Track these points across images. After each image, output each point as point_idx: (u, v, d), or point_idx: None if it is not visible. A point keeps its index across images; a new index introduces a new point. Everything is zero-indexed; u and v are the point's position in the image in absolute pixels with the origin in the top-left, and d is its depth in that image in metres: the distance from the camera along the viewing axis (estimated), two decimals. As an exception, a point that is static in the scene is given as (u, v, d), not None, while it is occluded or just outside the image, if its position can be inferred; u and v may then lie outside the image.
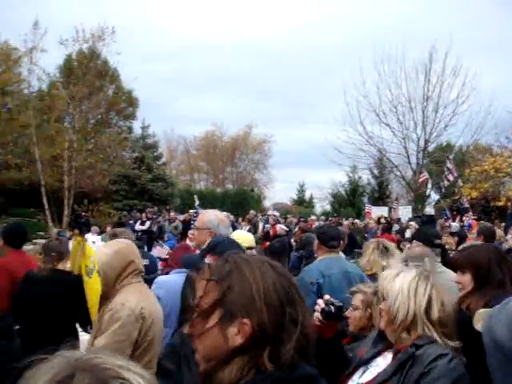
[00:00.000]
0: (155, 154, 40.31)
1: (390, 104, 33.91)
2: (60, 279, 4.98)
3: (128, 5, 71.05)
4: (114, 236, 5.24)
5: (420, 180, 28.80)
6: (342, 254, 5.33)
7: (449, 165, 25.45)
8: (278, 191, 59.07)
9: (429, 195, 28.93)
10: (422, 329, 2.52)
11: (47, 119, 27.53)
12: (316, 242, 5.28)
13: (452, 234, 13.54)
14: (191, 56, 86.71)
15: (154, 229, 22.14)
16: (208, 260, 2.83)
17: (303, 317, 1.53)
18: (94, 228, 19.99)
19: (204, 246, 3.07)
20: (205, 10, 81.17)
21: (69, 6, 50.72)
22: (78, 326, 5.09)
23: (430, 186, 28.16)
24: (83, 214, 24.60)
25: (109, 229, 21.05)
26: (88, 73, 28.60)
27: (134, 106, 38.41)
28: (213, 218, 4.42)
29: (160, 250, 12.78)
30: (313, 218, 26.49)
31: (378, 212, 28.67)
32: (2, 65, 28.65)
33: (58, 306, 4.70)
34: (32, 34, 26.15)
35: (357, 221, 25.83)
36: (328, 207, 49.21)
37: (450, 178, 25.64)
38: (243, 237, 6.01)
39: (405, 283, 2.62)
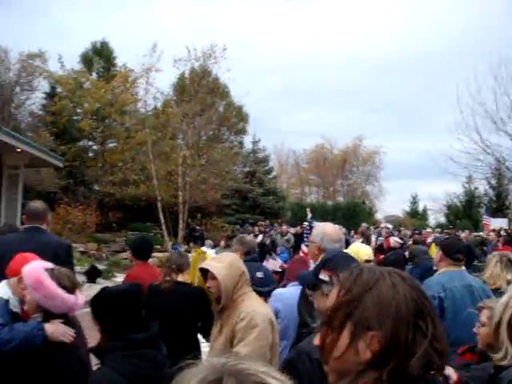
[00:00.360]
0: (266, 167, 40.65)
1: (508, 110, 32.32)
2: (183, 291, 5.02)
3: (237, 22, 72.57)
4: (242, 243, 5.31)
5: None
6: (464, 268, 5.04)
7: None
8: (389, 203, 57.90)
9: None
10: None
11: (162, 136, 28.53)
12: (439, 253, 5.06)
13: None
14: (299, 70, 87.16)
15: (267, 242, 22.23)
16: (323, 276, 2.79)
17: (434, 329, 1.44)
18: (208, 242, 20.39)
19: (318, 262, 3.03)
20: (311, 24, 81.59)
21: (181, 28, 52.62)
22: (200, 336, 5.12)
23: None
24: (197, 227, 25.20)
25: (222, 243, 21.40)
26: (200, 90, 29.37)
27: (245, 121, 39.05)
28: (318, 231, 4.36)
29: (272, 263, 12.77)
30: (428, 230, 25.67)
31: (496, 224, 27.28)
32: (120, 86, 30.07)
33: (182, 317, 4.74)
34: (150, 55, 27.21)
35: (481, 233, 24.68)
36: (442, 219, 47.53)
37: None
38: (362, 250, 5.86)
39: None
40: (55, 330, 3.24)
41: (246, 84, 65.36)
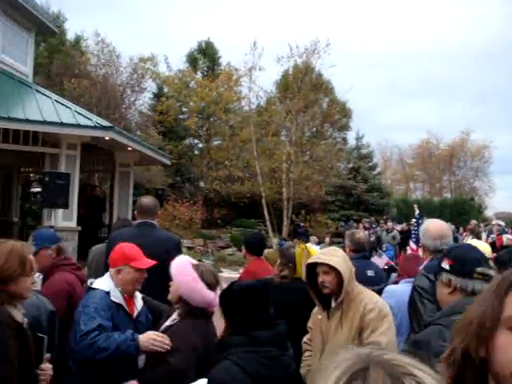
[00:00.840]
0: (370, 164, 40.08)
1: None
2: (302, 287, 4.98)
3: (339, 16, 72.04)
4: (351, 240, 5.34)
5: None
6: None
7: None
8: (500, 199, 55.50)
9: None
10: None
11: (266, 133, 28.71)
12: None
13: None
14: (402, 64, 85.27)
15: (372, 239, 21.86)
16: (444, 264, 2.81)
17: None
18: (313, 238, 20.30)
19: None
20: (416, 15, 79.50)
21: (283, 25, 52.77)
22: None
23: None
24: (301, 224, 25.17)
25: (327, 239, 21.26)
26: (303, 87, 29.27)
27: (348, 117, 38.63)
28: (421, 228, 4.44)
29: (378, 260, 12.47)
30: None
31: None
32: (225, 85, 30.59)
33: (298, 312, 4.66)
34: (252, 54, 27.43)
35: None
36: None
37: None
38: (479, 247, 5.55)
39: None
40: (148, 341, 3.33)
41: (349, 79, 64.75)
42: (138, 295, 3.90)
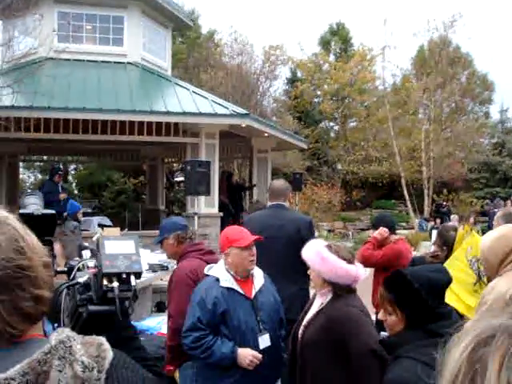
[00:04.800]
0: (520, 138, 37.83)
1: None
2: None
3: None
4: (504, 216, 4.88)
5: None
6: None
7: None
8: None
9: None
10: None
11: (403, 112, 28.05)
12: None
13: None
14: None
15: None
16: None
17: None
18: (454, 217, 19.62)
19: None
20: None
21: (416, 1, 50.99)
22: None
23: None
24: (444, 203, 24.41)
25: (472, 219, 20.44)
26: (440, 61, 28.22)
27: (491, 90, 36.71)
28: None
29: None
30: None
31: None
32: (358, 66, 30.24)
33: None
34: (384, 32, 26.88)
35: None
36: None
37: None
38: None
39: None
40: (245, 358, 3.59)
41: (491, 50, 61.34)
42: (258, 274, 3.96)
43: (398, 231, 23.19)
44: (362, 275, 3.45)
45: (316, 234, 20.47)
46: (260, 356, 3.64)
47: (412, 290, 2.45)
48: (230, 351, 3.58)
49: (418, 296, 2.45)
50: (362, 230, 25.34)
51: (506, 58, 57.72)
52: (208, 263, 4.16)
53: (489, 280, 3.62)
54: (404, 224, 26.33)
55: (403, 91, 29.08)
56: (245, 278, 3.84)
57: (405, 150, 27.10)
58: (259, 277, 3.94)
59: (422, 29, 28.06)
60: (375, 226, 6.06)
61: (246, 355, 3.60)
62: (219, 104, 14.38)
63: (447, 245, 4.96)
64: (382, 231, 5.83)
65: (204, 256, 4.54)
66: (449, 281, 2.62)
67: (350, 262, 3.40)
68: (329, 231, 23.10)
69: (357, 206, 29.08)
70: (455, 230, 5.09)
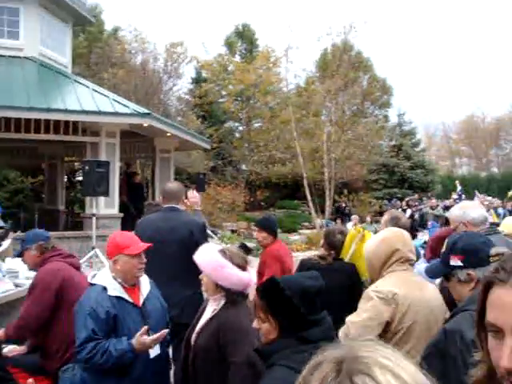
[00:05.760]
0: (413, 140, 39.50)
1: None
2: (344, 268, 4.93)
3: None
4: (395, 224, 4.96)
5: None
6: None
7: None
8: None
9: None
10: None
11: (306, 114, 28.52)
12: None
13: None
14: (445, 39, 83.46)
15: (416, 216, 21.62)
16: (454, 261, 2.64)
17: None
18: (355, 217, 20.20)
19: (443, 249, 2.80)
20: None
21: (320, 5, 52.11)
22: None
23: None
24: (343, 205, 25.06)
25: (368, 218, 21.12)
26: (342, 65, 28.93)
27: (389, 94, 38.11)
28: (457, 211, 4.40)
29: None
30: None
31: None
32: (263, 67, 30.52)
33: (345, 295, 4.59)
34: (288, 34, 27.22)
35: None
36: None
37: None
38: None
39: None
40: (143, 346, 3.49)
41: (390, 56, 63.63)
42: (145, 281, 3.89)
43: (301, 231, 23.72)
44: (253, 281, 3.41)
45: (219, 234, 20.43)
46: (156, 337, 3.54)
47: (284, 297, 2.42)
48: (126, 345, 3.48)
49: (290, 303, 2.42)
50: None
51: (403, 64, 60.17)
52: (71, 265, 4.19)
53: (372, 281, 3.70)
54: (307, 224, 26.82)
55: (306, 93, 29.58)
56: (132, 286, 3.75)
57: (307, 151, 27.53)
58: (145, 283, 3.89)
59: (325, 33, 28.59)
60: (258, 228, 6.08)
61: (143, 340, 3.48)
62: (120, 103, 14.09)
63: (334, 248, 5.00)
64: (259, 235, 5.93)
65: (65, 259, 4.51)
66: (321, 287, 2.59)
67: (244, 268, 3.36)
68: (232, 231, 23.11)
69: (261, 206, 29.31)
70: (341, 233, 5.13)
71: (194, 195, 5.97)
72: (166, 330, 3.63)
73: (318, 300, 2.57)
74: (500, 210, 21.13)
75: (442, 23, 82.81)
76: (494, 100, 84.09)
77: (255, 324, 2.57)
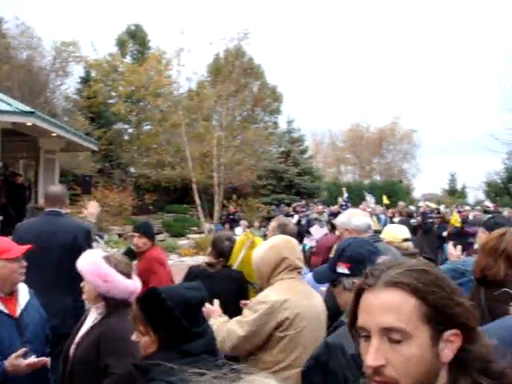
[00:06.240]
0: (301, 147, 40.38)
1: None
2: (233, 275, 4.92)
3: (264, 5, 71.99)
4: (283, 231, 4.96)
5: None
6: None
7: None
8: (427, 182, 57.25)
9: None
10: None
11: (196, 118, 28.47)
12: (484, 234, 4.47)
13: None
14: (332, 50, 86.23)
15: (303, 222, 22.09)
16: (341, 269, 2.63)
17: None
18: (243, 222, 20.34)
19: (331, 255, 2.80)
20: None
21: (214, 9, 52.30)
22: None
23: None
24: (232, 210, 25.21)
25: (257, 223, 21.34)
26: (234, 71, 29.14)
27: (279, 101, 38.81)
28: (342, 218, 4.57)
29: (317, 229, 12.22)
30: (466, 208, 25.13)
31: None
32: (154, 69, 30.10)
33: (233, 302, 4.52)
34: (180, 37, 27.01)
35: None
36: (482, 196, 46.67)
37: None
38: (398, 230, 5.69)
39: None
40: (16, 369, 3.21)
41: (280, 63, 64.90)
42: (23, 291, 3.65)
43: (189, 235, 23.52)
44: (139, 289, 3.34)
45: (105, 237, 19.87)
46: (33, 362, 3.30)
47: (165, 309, 2.32)
48: None
49: (172, 315, 2.32)
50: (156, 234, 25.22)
51: (293, 72, 61.54)
52: None
53: (260, 289, 3.72)
54: (195, 228, 26.76)
55: (198, 97, 29.52)
56: (9, 295, 3.50)
57: (197, 155, 27.49)
58: (24, 293, 3.64)
59: (218, 38, 28.62)
60: (139, 233, 5.99)
61: (17, 363, 3.22)
62: (2, 100, 13.45)
63: (222, 255, 4.97)
64: (139, 241, 5.87)
65: None
66: (204, 298, 2.52)
67: (129, 275, 3.28)
68: (119, 235, 22.63)
69: (149, 210, 28.90)
70: (229, 239, 5.11)
71: (94, 206, 5.83)
72: (47, 359, 3.40)
73: (200, 311, 2.49)
74: (382, 217, 21.99)
75: (330, 33, 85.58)
76: (377, 111, 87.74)
77: (134, 337, 2.45)
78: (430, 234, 17.54)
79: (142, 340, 2.41)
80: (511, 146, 34.71)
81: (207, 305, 3.48)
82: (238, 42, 28.61)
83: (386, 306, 1.33)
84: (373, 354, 1.32)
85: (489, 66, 70.49)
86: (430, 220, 18.51)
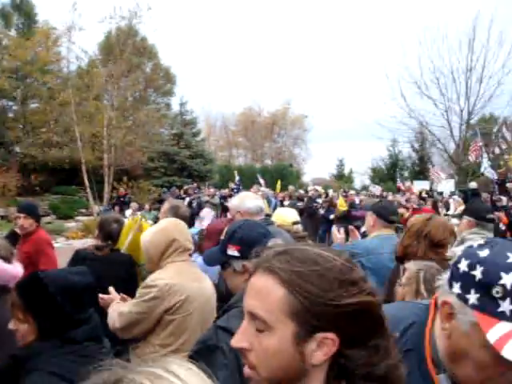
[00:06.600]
0: (194, 130, 40.34)
1: (431, 75, 33.13)
2: (122, 259, 4.85)
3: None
4: (175, 214, 4.86)
5: (472, 149, 25.85)
6: (394, 232, 4.88)
7: (506, 134, 24.28)
8: (317, 166, 58.84)
9: (480, 163, 25.74)
10: None
11: (86, 97, 27.67)
12: (373, 217, 4.81)
13: (499, 209, 13.00)
14: (224, 32, 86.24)
15: (194, 205, 22.14)
16: (231, 251, 2.58)
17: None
18: (134, 205, 20.10)
19: (222, 237, 2.76)
20: None
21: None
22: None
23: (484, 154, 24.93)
24: (123, 191, 24.83)
25: (147, 206, 21.17)
26: (126, 50, 28.50)
27: (172, 83, 38.44)
28: (235, 201, 4.54)
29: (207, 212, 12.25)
30: (351, 192, 26.12)
31: (419, 186, 27.98)
32: (41, 44, 28.88)
33: (123, 286, 4.29)
34: (71, 13, 25.94)
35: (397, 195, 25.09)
36: (368, 182, 48.69)
37: (503, 146, 24.69)
38: (287, 214, 5.88)
39: None
40: None
41: (174, 45, 64.18)
42: None
43: (77, 217, 22.96)
44: (20, 274, 3.30)
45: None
46: None
47: (46, 294, 2.24)
48: None
49: (53, 301, 2.24)
50: (41, 216, 24.39)
51: (186, 54, 61.06)
52: None
53: (151, 272, 3.75)
54: (84, 210, 26.17)
55: (88, 76, 28.63)
56: None
57: (87, 135, 26.76)
58: None
59: (109, 15, 27.72)
60: (24, 214, 5.76)
61: None
62: None
63: (110, 238, 4.92)
64: (25, 222, 5.67)
65: None
66: (89, 284, 2.44)
67: (9, 260, 3.23)
68: (2, 217, 21.73)
69: (35, 191, 27.84)
70: (117, 221, 5.07)
71: None
72: None
73: (85, 297, 2.40)
74: (272, 200, 22.44)
75: (223, 17, 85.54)
76: (269, 95, 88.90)
77: (12, 325, 2.34)
78: (314, 217, 18.18)
79: (21, 328, 2.31)
80: (396, 134, 36.50)
81: (104, 296, 3.52)
82: (129, 20, 27.96)
83: (257, 291, 1.30)
84: (238, 335, 1.32)
85: (377, 55, 73.19)
86: (315, 204, 19.18)
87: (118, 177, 27.32)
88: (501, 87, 31.65)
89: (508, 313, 1.36)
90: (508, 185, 19.25)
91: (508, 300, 1.36)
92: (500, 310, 1.36)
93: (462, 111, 33.41)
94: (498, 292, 1.37)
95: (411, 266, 3.14)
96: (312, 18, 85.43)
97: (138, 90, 32.73)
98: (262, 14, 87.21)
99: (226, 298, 2.66)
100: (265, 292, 1.29)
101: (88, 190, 25.18)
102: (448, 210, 15.42)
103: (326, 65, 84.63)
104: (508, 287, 1.36)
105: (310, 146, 57.58)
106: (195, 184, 28.87)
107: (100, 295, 3.60)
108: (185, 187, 26.84)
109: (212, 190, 26.45)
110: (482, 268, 1.41)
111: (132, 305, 3.45)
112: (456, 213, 12.87)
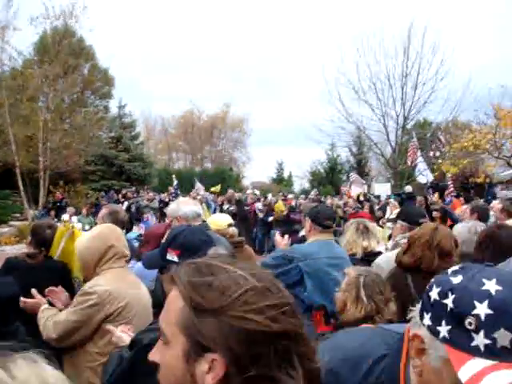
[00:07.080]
0: (132, 133, 39.86)
1: (368, 81, 33.84)
2: (55, 266, 4.69)
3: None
4: (115, 220, 4.81)
5: (410, 153, 26.22)
6: (332, 237, 4.88)
7: (441, 137, 25.05)
8: (256, 170, 59.20)
9: (415, 165, 26.12)
10: None
11: (20, 98, 26.88)
12: (308, 222, 4.77)
13: (436, 210, 13.33)
14: (164, 36, 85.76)
15: (133, 209, 21.84)
16: (170, 256, 2.59)
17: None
18: (70, 209, 19.60)
19: (163, 240, 2.75)
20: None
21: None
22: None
23: (419, 155, 25.25)
24: (60, 195, 24.24)
25: (84, 211, 20.71)
26: (62, 51, 27.86)
27: (110, 85, 37.84)
28: (173, 206, 4.59)
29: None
30: (290, 196, 26.22)
31: (356, 190, 28.35)
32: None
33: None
34: (4, 11, 25.13)
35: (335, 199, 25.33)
36: (307, 185, 49.17)
37: (437, 153, 25.46)
38: (220, 219, 5.90)
39: None
40: None
41: (114, 47, 63.36)
42: None
43: (11, 222, 22.25)
44: None
45: None
46: None
47: None
48: None
49: None
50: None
51: (125, 55, 60.31)
52: None
53: (86, 280, 3.64)
54: (18, 215, 25.42)
55: (22, 77, 27.81)
56: None
57: (22, 138, 25.99)
58: None
59: (41, 15, 26.87)
60: None
61: None
62: None
63: (44, 245, 4.74)
64: None
65: None
66: (14, 295, 2.35)
67: None
68: None
69: (-35, 196, 26.84)
70: (51, 227, 4.90)
71: None
72: None
73: (10, 309, 2.35)
74: (212, 204, 22.38)
75: (163, 18, 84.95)
76: (209, 98, 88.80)
77: None
78: (246, 221, 18.23)
79: None
80: (334, 138, 37.04)
81: (28, 300, 3.36)
82: (64, 20, 27.28)
83: (167, 302, 1.26)
84: (153, 349, 1.26)
85: (316, 60, 74.16)
86: (247, 208, 19.36)
87: (54, 180, 26.67)
88: (435, 93, 32.65)
89: (482, 347, 1.22)
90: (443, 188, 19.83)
91: (482, 333, 1.22)
92: (473, 344, 1.23)
93: (398, 116, 34.32)
94: (470, 323, 1.24)
95: (351, 271, 3.16)
96: (250, 18, 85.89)
97: (75, 91, 32.03)
98: (200, 14, 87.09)
99: (163, 304, 2.58)
100: (169, 303, 1.24)
101: (22, 193, 24.47)
102: (384, 213, 15.69)
103: (264, 67, 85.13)
104: (482, 318, 1.23)
105: (250, 149, 57.84)
106: (134, 188, 28.50)
107: (22, 299, 3.45)
108: (123, 191, 26.46)
109: (151, 194, 26.17)
110: (453, 296, 1.28)
111: (69, 313, 3.35)
112: (391, 217, 13.04)
